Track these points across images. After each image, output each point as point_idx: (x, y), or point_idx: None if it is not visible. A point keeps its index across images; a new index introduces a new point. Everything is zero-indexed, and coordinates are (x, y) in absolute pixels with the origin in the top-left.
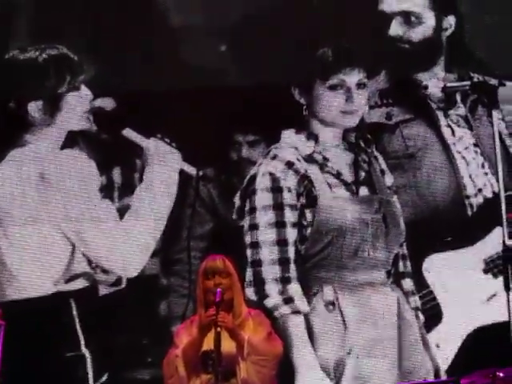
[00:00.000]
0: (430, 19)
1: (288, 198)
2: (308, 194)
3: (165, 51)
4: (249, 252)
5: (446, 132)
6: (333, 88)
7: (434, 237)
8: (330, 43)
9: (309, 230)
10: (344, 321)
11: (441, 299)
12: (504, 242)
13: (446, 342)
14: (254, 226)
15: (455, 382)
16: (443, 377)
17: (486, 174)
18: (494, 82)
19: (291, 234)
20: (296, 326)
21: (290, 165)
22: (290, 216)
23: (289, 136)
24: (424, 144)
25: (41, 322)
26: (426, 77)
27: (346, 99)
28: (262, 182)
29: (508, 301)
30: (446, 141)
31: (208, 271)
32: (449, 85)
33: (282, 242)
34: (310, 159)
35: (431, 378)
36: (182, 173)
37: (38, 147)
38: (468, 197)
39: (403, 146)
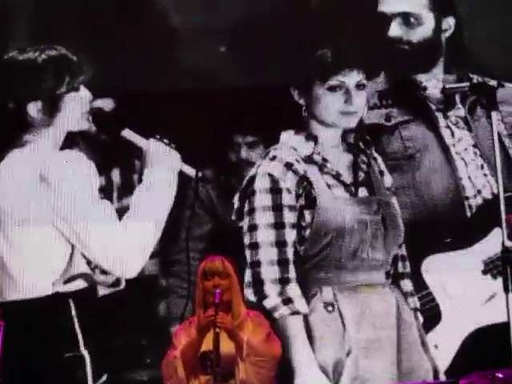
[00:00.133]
0: (429, 20)
1: (287, 198)
2: (307, 195)
3: (164, 52)
4: (248, 253)
5: (445, 133)
6: (332, 89)
7: (433, 238)
8: (330, 44)
9: (308, 231)
10: (343, 322)
11: (440, 300)
12: (503, 243)
13: (445, 342)
14: (253, 227)
15: (454, 383)
16: (442, 378)
17: (486, 175)
18: (493, 83)
19: (290, 234)
20: (295, 327)
21: (289, 166)
22: (289, 217)
23: (288, 137)
24: (423, 145)
25: (40, 323)
26: (426, 78)
27: (346, 100)
28: (261, 183)
29: (507, 302)
30: (445, 142)
31: (207, 272)
32: (448, 86)
33: (281, 243)
34: (309, 160)
35: (430, 379)
36: (181, 174)
37: (38, 148)
38: (467, 198)
39: (402, 147)
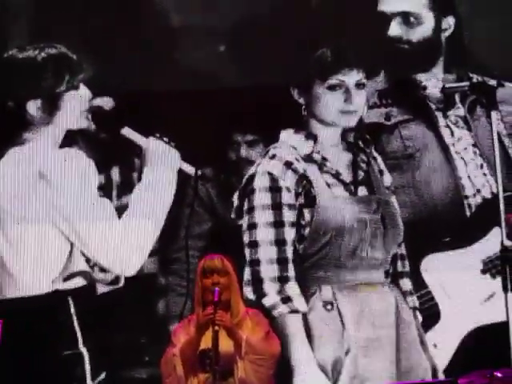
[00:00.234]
0: (429, 20)
1: (286, 197)
2: (307, 194)
3: (164, 51)
4: (247, 251)
5: (445, 132)
6: (332, 88)
7: (433, 237)
8: (330, 43)
9: (307, 230)
10: (342, 320)
11: (439, 299)
12: (502, 242)
13: (444, 341)
14: (252, 226)
15: (453, 382)
16: (441, 377)
17: (485, 174)
18: (492, 82)
19: (289, 233)
20: (294, 326)
21: (288, 164)
22: (288, 216)
23: (288, 136)
24: (423, 144)
25: (39, 320)
26: (425, 77)
27: (345, 99)
28: (261, 182)
29: (506, 301)
30: (445, 141)
31: (206, 270)
32: (448, 85)
33: (280, 242)
34: (308, 159)
35: (429, 378)
36: (180, 172)
37: (37, 146)
38: (467, 197)
39: (402, 147)
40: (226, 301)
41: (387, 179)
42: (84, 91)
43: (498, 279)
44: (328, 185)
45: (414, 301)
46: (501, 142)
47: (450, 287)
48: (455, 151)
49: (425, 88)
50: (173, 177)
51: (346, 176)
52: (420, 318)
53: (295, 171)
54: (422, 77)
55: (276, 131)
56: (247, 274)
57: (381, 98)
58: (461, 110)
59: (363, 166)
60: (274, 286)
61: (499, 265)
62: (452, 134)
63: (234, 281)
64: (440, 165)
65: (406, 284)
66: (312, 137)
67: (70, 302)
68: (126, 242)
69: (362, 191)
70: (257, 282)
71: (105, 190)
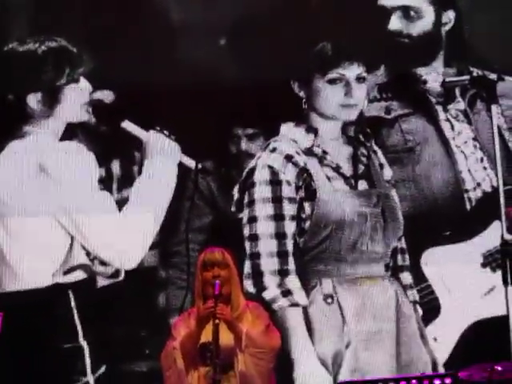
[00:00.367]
0: (429, 14)
1: (287, 190)
2: (307, 187)
3: (164, 44)
4: (247, 244)
5: (445, 126)
6: (332, 82)
7: (433, 231)
8: (330, 37)
9: (307, 223)
10: (342, 314)
11: (439, 293)
12: (502, 236)
13: (444, 335)
14: (252, 219)
15: (453, 376)
16: (441, 370)
17: (485, 168)
18: (493, 76)
19: (290, 226)
20: (294, 319)
21: (289, 158)
22: (288, 209)
23: (288, 129)
24: (423, 138)
25: (39, 314)
26: (426, 71)
27: (346, 93)
28: (261, 175)
29: (506, 295)
30: (445, 135)
31: (206, 263)
32: (448, 79)
33: (280, 235)
34: (309, 152)
35: (429, 372)
36: (180, 165)
37: (37, 139)
38: (467, 191)
39: (402, 140)
40: (226, 294)
41: (387, 173)
42: (84, 84)
43: (498, 273)
44: (328, 178)
45: (414, 294)
46: (501, 135)
47: (450, 281)
48: (455, 145)
49: (425, 82)
50: (173, 170)
51: (347, 170)
52: (420, 311)
53: (296, 164)
54: (422, 71)
55: (276, 125)
56: (247, 267)
57: (381, 91)
58: (461, 104)
59: (363, 159)
60: (274, 280)
61: (499, 258)
62: (452, 127)
63: (235, 274)
64: (440, 158)
65: (407, 278)
66: (312, 130)
67: (71, 295)
68: (126, 236)
69: (363, 185)
70: (257, 276)
71: (105, 183)
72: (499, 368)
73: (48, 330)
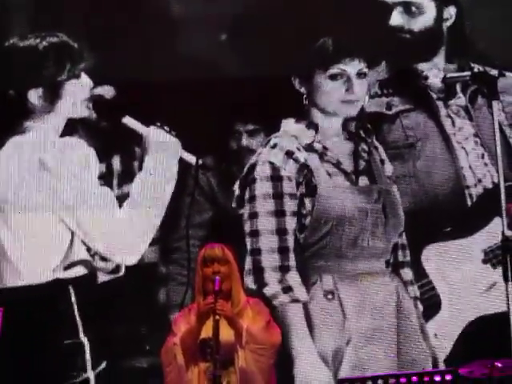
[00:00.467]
0: (430, 9)
1: (287, 186)
2: (308, 183)
3: (165, 40)
4: (248, 240)
5: (446, 122)
6: (333, 77)
7: (434, 227)
8: (331, 33)
9: (308, 219)
10: (343, 310)
11: (440, 289)
12: (503, 232)
13: (445, 331)
14: (253, 215)
15: (453, 372)
16: (441, 366)
17: (486, 164)
18: (494, 72)
19: (290, 222)
20: (295, 315)
21: (289, 154)
22: (289, 205)
23: (289, 125)
24: (424, 134)
25: (39, 309)
26: (427, 67)
27: (347, 89)
28: (262, 171)
29: (507, 291)
30: (446, 131)
31: (207, 259)
32: (449, 75)
33: (281, 231)
34: (309, 148)
35: (429, 368)
36: (181, 161)
37: (38, 134)
38: (468, 187)
39: (403, 136)
40: (226, 290)
41: (388, 169)
42: (85, 80)
43: (499, 269)
44: (329, 174)
45: (414, 290)
46: (502, 131)
47: (450, 277)
48: (456, 141)
49: (426, 78)
50: (174, 166)
51: (347, 165)
52: (421, 307)
53: (296, 160)
54: (423, 66)
55: (277, 120)
56: (248, 263)
57: (382, 87)
58: (462, 100)
59: (364, 155)
60: (274, 276)
61: (500, 255)
62: (453, 123)
63: (235, 270)
64: (441, 154)
65: (407, 274)
66: (313, 126)
67: (71, 290)
68: (126, 231)
69: (363, 181)
70: (258, 272)
71: (106, 178)
72: (499, 364)
73: (48, 325)
